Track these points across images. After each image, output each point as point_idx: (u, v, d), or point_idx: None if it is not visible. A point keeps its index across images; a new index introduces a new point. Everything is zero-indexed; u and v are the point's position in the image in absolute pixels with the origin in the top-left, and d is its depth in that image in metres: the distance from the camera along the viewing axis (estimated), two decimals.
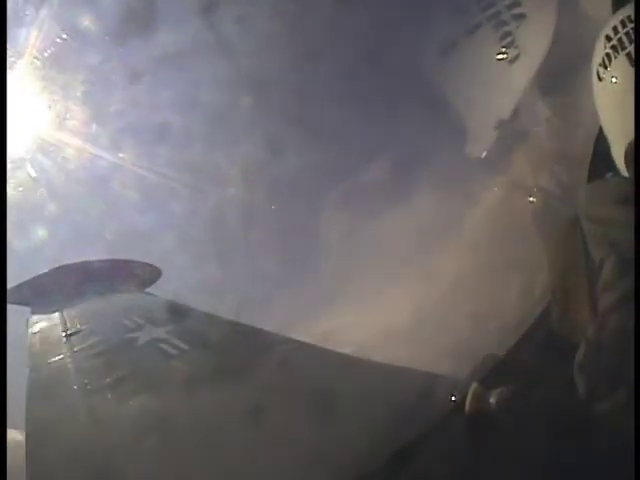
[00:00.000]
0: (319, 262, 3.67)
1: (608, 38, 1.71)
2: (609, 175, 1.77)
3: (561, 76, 2.75)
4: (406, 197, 3.40)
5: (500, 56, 2.88)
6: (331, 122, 3.42)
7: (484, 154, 3.09)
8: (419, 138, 3.35)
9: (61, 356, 3.21)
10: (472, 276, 3.04)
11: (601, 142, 1.84)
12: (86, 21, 2.98)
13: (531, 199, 2.85)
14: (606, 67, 1.73)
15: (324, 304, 3.55)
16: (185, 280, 3.54)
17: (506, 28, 2.86)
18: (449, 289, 3.10)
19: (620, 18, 1.70)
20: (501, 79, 2.96)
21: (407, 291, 3.21)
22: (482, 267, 3.02)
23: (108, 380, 2.79)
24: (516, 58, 2.89)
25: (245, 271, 3.69)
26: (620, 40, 1.67)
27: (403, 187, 3.43)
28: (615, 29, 1.70)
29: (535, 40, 2.85)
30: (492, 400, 1.73)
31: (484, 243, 3.09)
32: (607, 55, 1.71)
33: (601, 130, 1.85)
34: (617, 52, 1.68)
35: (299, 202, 3.74)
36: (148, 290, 4.15)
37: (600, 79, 1.76)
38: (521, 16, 2.85)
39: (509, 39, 2.87)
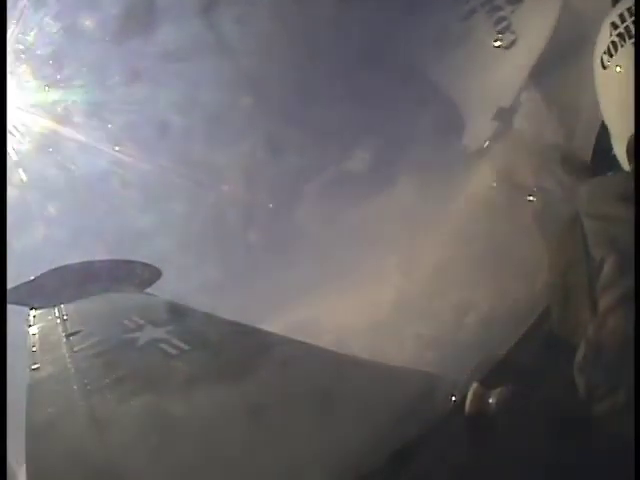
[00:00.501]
0: (302, 251, 3.65)
1: (614, 25, 1.66)
2: (610, 174, 1.75)
3: (561, 64, 2.72)
4: (394, 186, 3.38)
5: (497, 43, 2.87)
6: (331, 119, 3.42)
7: (486, 144, 3.07)
8: (412, 128, 3.34)
9: (54, 358, 3.21)
10: (456, 266, 3.03)
11: (602, 138, 1.81)
12: (86, 19, 2.99)
13: (530, 198, 2.83)
14: (611, 55, 1.67)
15: (304, 293, 3.54)
16: (185, 280, 3.54)
17: (501, 13, 2.86)
18: (433, 279, 3.08)
19: (627, 5, 1.65)
20: (498, 65, 2.94)
21: (391, 281, 3.20)
22: (467, 258, 3.00)
23: (108, 380, 2.79)
24: (512, 44, 2.87)
25: (245, 271, 3.69)
26: (627, 28, 1.62)
27: (391, 176, 3.41)
28: (622, 16, 1.64)
29: (534, 25, 2.82)
30: (492, 400, 1.72)
31: (475, 236, 3.07)
32: (613, 43, 1.66)
33: (602, 126, 1.81)
34: (624, 40, 1.62)
35: (299, 201, 3.73)
36: (148, 290, 4.15)
37: (604, 67, 1.71)
38: (517, 0, 2.85)
39: (504, 24, 2.86)
